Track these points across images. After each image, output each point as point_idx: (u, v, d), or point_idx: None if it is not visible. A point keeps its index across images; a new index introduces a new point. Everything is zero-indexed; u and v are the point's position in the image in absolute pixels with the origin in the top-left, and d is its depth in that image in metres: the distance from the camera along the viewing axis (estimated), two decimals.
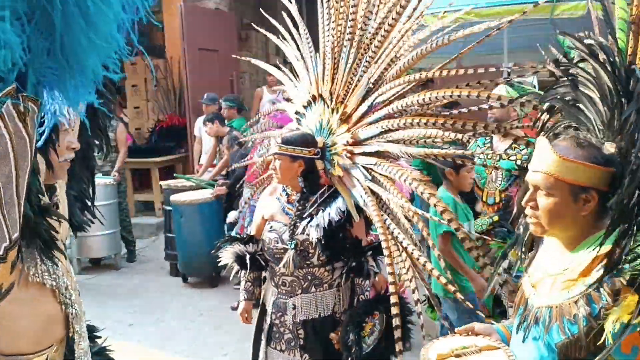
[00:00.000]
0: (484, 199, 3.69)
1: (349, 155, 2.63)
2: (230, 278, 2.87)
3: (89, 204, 1.88)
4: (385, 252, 2.41)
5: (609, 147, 1.42)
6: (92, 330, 1.81)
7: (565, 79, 1.54)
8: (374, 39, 2.65)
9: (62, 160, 1.52)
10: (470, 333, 1.75)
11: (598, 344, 1.33)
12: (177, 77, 8.70)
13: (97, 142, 1.84)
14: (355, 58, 2.70)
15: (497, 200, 3.41)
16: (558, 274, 1.47)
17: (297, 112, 2.89)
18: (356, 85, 2.69)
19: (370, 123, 2.62)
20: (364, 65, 2.67)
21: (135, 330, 4.90)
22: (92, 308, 5.33)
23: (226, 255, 2.78)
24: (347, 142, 2.64)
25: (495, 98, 2.28)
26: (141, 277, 6.31)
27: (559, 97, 1.57)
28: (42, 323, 1.35)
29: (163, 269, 6.50)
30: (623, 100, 1.40)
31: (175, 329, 4.89)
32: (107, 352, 1.84)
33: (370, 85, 2.65)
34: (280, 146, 2.58)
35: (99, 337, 1.85)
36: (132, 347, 4.50)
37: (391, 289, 2.35)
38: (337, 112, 2.72)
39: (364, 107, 2.65)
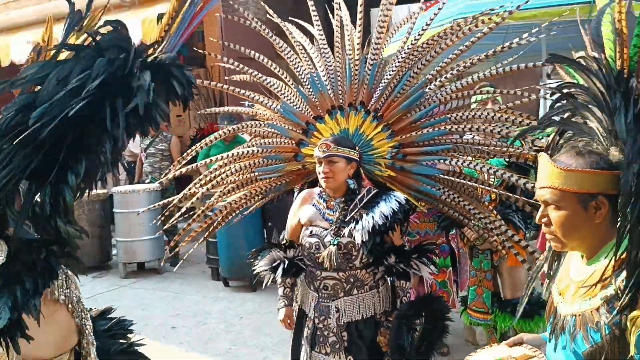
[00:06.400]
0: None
1: (404, 156, 2.78)
2: (267, 283, 2.90)
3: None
4: (490, 218, 2.77)
5: (614, 152, 1.40)
6: (122, 326, 1.90)
7: (562, 94, 1.53)
8: (421, 53, 2.84)
9: None
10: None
11: (623, 351, 1.30)
12: None
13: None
14: (396, 72, 2.83)
15: (493, 197, 3.37)
16: (580, 281, 1.46)
17: (307, 122, 2.95)
18: (397, 96, 2.82)
19: (427, 127, 2.78)
20: (409, 77, 2.81)
21: (178, 332, 5.02)
22: (137, 311, 5.49)
23: (261, 264, 2.80)
24: (401, 145, 2.78)
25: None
26: (183, 281, 6.46)
27: (560, 116, 1.56)
28: (60, 333, 1.51)
29: (204, 273, 6.64)
30: (617, 104, 1.38)
31: (216, 332, 4.99)
32: (136, 348, 1.86)
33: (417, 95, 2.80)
34: (337, 148, 2.61)
35: (130, 331, 1.88)
36: (174, 350, 4.61)
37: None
38: (375, 119, 2.82)
39: (415, 115, 2.79)
